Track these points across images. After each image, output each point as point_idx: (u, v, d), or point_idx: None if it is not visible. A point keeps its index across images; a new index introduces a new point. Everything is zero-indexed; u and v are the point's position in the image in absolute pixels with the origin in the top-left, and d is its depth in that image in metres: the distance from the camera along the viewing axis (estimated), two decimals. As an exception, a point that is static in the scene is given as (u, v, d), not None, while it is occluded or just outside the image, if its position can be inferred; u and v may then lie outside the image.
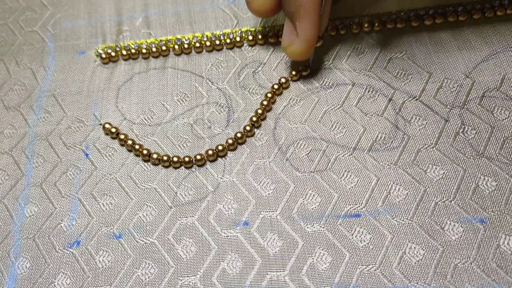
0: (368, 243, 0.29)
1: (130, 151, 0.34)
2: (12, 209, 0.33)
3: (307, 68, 0.36)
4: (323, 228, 0.30)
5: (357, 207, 0.31)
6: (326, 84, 0.36)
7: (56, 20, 0.42)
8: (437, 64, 0.35)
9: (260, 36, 0.38)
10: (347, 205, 0.31)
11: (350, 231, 0.30)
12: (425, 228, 0.29)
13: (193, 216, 0.31)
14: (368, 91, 0.35)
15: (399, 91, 0.35)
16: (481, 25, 0.37)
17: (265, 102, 0.35)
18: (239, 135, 0.34)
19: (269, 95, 0.35)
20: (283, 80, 0.36)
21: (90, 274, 0.30)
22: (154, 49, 0.38)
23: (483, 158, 0.31)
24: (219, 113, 0.35)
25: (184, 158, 0.33)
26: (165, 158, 0.33)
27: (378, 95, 0.35)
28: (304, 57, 0.34)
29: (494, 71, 0.35)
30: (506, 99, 0.33)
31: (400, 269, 0.28)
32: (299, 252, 0.30)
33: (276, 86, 0.35)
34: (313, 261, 0.29)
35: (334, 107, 0.35)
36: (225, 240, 0.30)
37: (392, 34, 0.37)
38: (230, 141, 0.33)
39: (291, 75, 0.36)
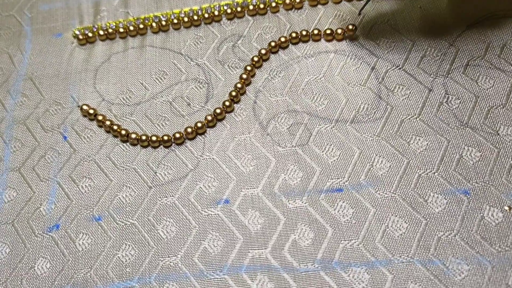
0: (350, 218, 0.29)
1: (108, 132, 0.34)
2: (-10, 195, 0.32)
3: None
4: (305, 203, 0.30)
5: (339, 181, 0.30)
6: (308, 53, 0.35)
7: (33, 3, 0.41)
8: (420, 32, 0.34)
9: (239, 9, 0.37)
10: (329, 180, 0.30)
11: (332, 206, 0.29)
12: (408, 201, 0.29)
13: (173, 196, 0.31)
14: (351, 59, 0.34)
15: (382, 59, 0.34)
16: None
17: (244, 76, 0.34)
18: (218, 111, 0.33)
19: (249, 68, 0.34)
20: (263, 51, 0.35)
21: (70, 258, 0.30)
22: (131, 28, 0.37)
23: (467, 128, 0.31)
24: (199, 90, 0.35)
25: (162, 137, 0.32)
26: (143, 137, 0.33)
27: (361, 63, 0.34)
28: None
29: (478, 40, 0.34)
30: (490, 67, 0.32)
31: (383, 243, 0.28)
32: (281, 229, 0.29)
33: (256, 59, 0.34)
34: (295, 238, 0.29)
35: (316, 77, 0.34)
36: (206, 219, 0.30)
37: (375, 1, 0.36)
38: (209, 118, 0.33)
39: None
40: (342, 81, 0.33)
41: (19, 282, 0.29)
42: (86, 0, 0.40)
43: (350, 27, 0.34)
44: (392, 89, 0.33)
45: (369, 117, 0.32)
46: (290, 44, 0.36)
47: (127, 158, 0.33)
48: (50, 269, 0.30)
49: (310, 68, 0.34)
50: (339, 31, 0.35)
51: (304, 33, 0.35)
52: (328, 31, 0.35)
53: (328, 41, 0.35)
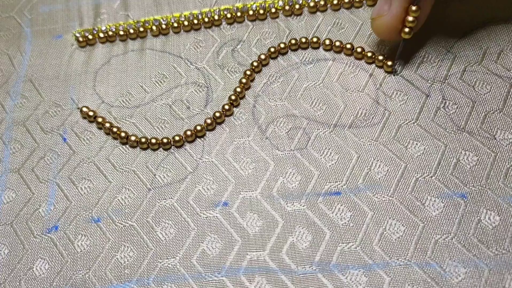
0: (348, 221, 0.29)
1: (108, 134, 0.34)
2: (-11, 196, 0.32)
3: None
4: (304, 206, 0.30)
5: (337, 185, 0.30)
6: (307, 60, 0.35)
7: (33, 5, 0.41)
8: (418, 38, 0.35)
9: (238, 14, 0.37)
10: (327, 183, 0.30)
11: (330, 209, 0.30)
12: (406, 204, 0.29)
13: (172, 198, 0.31)
14: (349, 66, 0.34)
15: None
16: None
17: (244, 80, 0.34)
18: (217, 114, 0.33)
19: (248, 72, 0.34)
20: (262, 56, 0.35)
21: (68, 259, 0.30)
22: (131, 31, 0.38)
23: (464, 133, 0.31)
24: (198, 93, 0.35)
25: (162, 139, 0.33)
26: (143, 140, 0.33)
27: (359, 70, 0.34)
28: (389, 35, 0.32)
29: (475, 46, 0.34)
30: (487, 73, 0.33)
31: (381, 246, 0.28)
32: (279, 231, 0.29)
33: (255, 64, 0.35)
34: (293, 240, 0.29)
35: (315, 83, 0.34)
36: (205, 221, 0.30)
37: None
38: (208, 121, 0.33)
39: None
40: (341, 87, 0.34)
41: (18, 283, 0.29)
42: (86, 2, 0.40)
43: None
44: (390, 94, 0.33)
45: (367, 122, 0.32)
46: (289, 51, 0.36)
47: (126, 160, 0.33)
48: (48, 270, 0.30)
49: (309, 74, 0.35)
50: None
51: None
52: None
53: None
